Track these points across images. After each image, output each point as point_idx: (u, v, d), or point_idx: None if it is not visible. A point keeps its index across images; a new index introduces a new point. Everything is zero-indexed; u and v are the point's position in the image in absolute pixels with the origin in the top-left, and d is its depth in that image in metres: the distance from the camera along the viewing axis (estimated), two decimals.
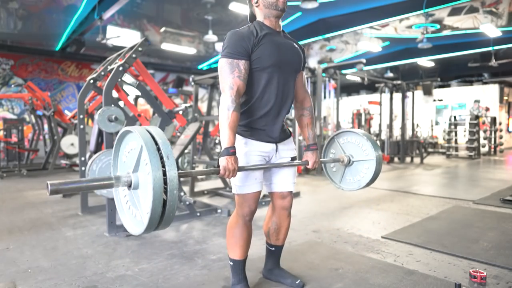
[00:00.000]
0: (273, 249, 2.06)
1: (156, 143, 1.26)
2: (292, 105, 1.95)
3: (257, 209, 1.87)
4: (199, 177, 5.98)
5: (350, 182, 2.25)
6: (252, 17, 1.88)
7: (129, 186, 1.31)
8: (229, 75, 1.64)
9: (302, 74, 1.96)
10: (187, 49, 11.13)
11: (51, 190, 1.18)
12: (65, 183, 1.21)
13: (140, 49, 3.32)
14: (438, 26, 9.69)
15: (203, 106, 11.47)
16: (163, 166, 1.23)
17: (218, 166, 1.59)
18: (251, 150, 1.77)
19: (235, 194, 1.82)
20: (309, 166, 1.96)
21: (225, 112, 1.61)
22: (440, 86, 16.01)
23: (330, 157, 2.30)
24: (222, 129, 1.61)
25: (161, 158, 1.24)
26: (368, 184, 2.19)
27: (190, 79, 4.95)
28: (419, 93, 14.24)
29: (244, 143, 1.78)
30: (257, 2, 1.78)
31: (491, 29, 9.10)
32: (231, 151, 1.58)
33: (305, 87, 1.98)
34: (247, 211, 1.81)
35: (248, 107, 1.77)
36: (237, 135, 1.80)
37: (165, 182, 1.22)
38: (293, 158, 1.93)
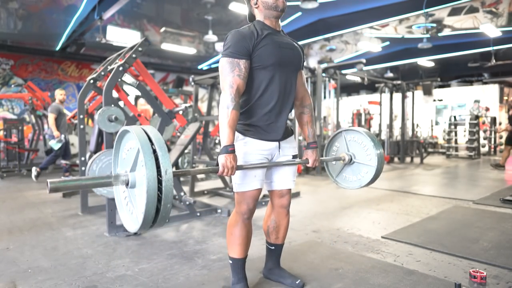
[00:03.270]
0: (273, 248, 2.07)
1: (153, 144, 1.29)
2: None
3: (256, 209, 1.87)
4: (199, 177, 5.98)
5: (346, 179, 2.28)
6: (252, 17, 1.89)
7: (127, 184, 1.36)
8: (229, 73, 1.66)
9: (301, 73, 1.97)
10: (187, 49, 11.12)
11: (51, 188, 1.20)
12: (65, 181, 1.24)
13: (140, 49, 3.32)
14: (438, 26, 9.69)
15: (203, 106, 11.47)
16: (159, 166, 1.25)
17: (217, 164, 1.59)
18: (251, 149, 1.77)
19: (235, 192, 1.83)
20: (309, 165, 1.98)
21: (225, 110, 1.63)
22: (440, 86, 16.00)
23: (333, 149, 2.31)
24: (221, 127, 1.62)
25: (155, 154, 1.27)
26: (361, 187, 2.22)
27: (190, 79, 4.95)
28: (419, 93, 14.23)
29: (244, 143, 1.78)
30: (256, 4, 1.79)
31: (491, 29, 9.09)
32: (229, 149, 1.59)
33: (304, 86, 2.00)
34: (245, 209, 1.81)
35: (250, 106, 1.78)
36: (237, 133, 1.80)
37: (161, 182, 1.24)
38: (294, 156, 1.94)
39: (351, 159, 2.20)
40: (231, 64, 1.66)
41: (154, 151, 1.28)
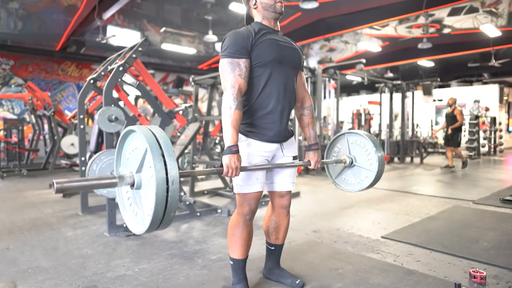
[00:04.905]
0: (273, 248, 2.07)
1: (160, 145, 1.27)
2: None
3: (257, 209, 1.87)
4: (199, 177, 5.98)
5: (346, 181, 2.29)
6: (249, 19, 1.91)
7: (132, 185, 1.34)
8: (230, 73, 1.66)
9: (301, 74, 1.97)
10: (187, 49, 11.12)
11: (57, 188, 1.19)
12: (71, 181, 1.22)
13: (140, 49, 3.32)
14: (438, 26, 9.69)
15: (203, 106, 11.47)
16: (165, 166, 1.24)
17: (221, 165, 1.59)
18: (254, 151, 1.77)
19: (236, 193, 1.82)
20: (311, 167, 1.96)
21: (228, 110, 1.62)
22: (440, 86, 16.00)
23: (335, 151, 2.31)
24: (225, 128, 1.62)
25: (163, 157, 1.25)
26: (361, 190, 2.23)
27: (190, 79, 4.95)
28: (419, 93, 14.22)
29: (247, 144, 1.78)
30: (255, 4, 1.82)
31: (491, 29, 9.10)
32: (233, 150, 1.58)
33: (304, 86, 1.99)
34: (248, 211, 1.81)
35: (251, 105, 1.77)
36: (240, 134, 1.79)
37: (167, 182, 1.24)
38: (294, 157, 1.94)
39: (352, 162, 2.21)
40: (231, 65, 1.66)
41: (161, 152, 1.25)
